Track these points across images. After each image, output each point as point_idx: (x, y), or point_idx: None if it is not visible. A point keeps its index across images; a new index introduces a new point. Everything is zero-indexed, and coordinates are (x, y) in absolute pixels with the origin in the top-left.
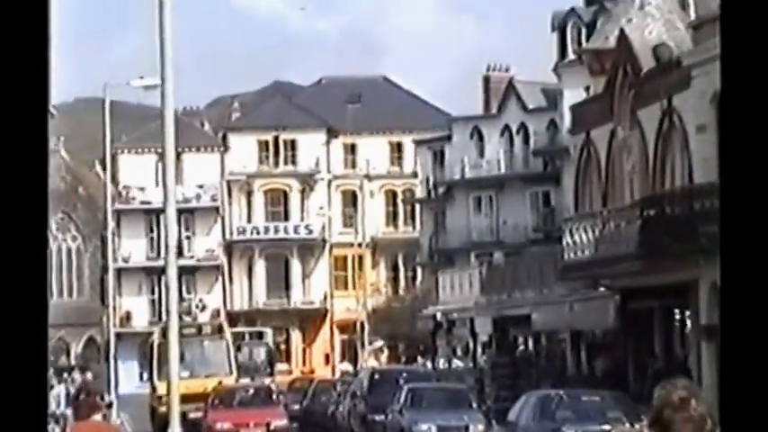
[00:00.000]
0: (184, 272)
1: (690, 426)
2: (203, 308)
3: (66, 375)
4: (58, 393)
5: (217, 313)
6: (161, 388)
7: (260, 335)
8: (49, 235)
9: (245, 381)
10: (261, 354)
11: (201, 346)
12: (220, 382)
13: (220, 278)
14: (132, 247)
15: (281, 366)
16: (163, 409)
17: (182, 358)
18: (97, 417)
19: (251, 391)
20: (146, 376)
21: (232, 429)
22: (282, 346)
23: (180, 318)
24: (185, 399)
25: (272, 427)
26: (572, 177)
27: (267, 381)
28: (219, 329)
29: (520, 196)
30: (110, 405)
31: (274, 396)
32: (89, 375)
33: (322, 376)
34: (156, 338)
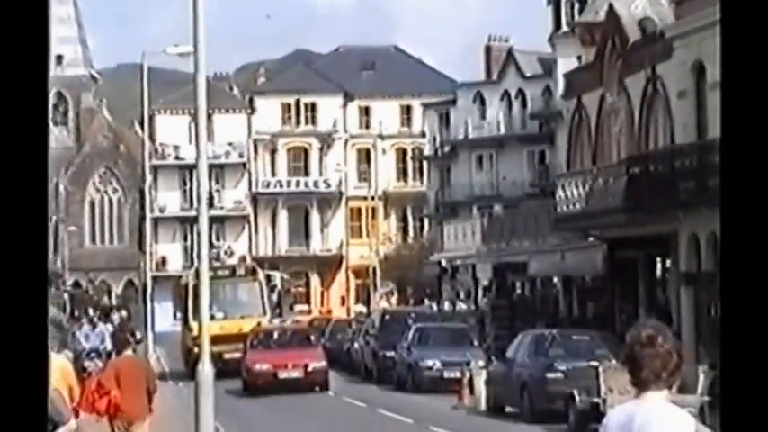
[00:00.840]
0: (214, 221)
1: (657, 360)
2: (231, 254)
3: (107, 315)
4: (101, 330)
5: (243, 259)
6: (196, 329)
7: (268, 277)
8: (89, 190)
9: (276, 321)
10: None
11: (235, 288)
12: (259, 324)
13: (247, 227)
14: (167, 199)
15: (301, 307)
16: (197, 349)
17: (215, 300)
18: (128, 351)
19: (288, 332)
20: (179, 316)
21: (271, 370)
22: (302, 289)
23: (210, 263)
24: (220, 339)
25: (309, 368)
26: (565, 138)
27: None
28: (253, 272)
29: (517, 155)
30: (139, 341)
31: (312, 337)
32: (124, 314)
33: (338, 316)
34: (189, 280)
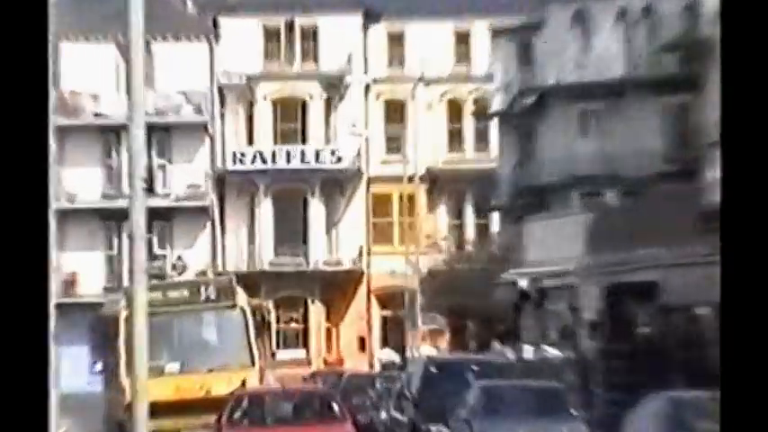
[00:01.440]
0: (157, 217)
1: None
2: (183, 269)
3: None
4: None
5: (210, 274)
6: (129, 390)
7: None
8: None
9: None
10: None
11: (199, 322)
12: (244, 382)
13: (208, 226)
14: (81, 181)
15: (295, 354)
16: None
17: (166, 342)
18: None
19: (296, 396)
20: (100, 368)
21: None
22: (297, 325)
23: (151, 281)
24: (175, 409)
25: None
26: (719, 83)
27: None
28: (229, 293)
29: (644, 110)
30: None
31: (336, 407)
32: None
33: (354, 369)
34: (120, 310)
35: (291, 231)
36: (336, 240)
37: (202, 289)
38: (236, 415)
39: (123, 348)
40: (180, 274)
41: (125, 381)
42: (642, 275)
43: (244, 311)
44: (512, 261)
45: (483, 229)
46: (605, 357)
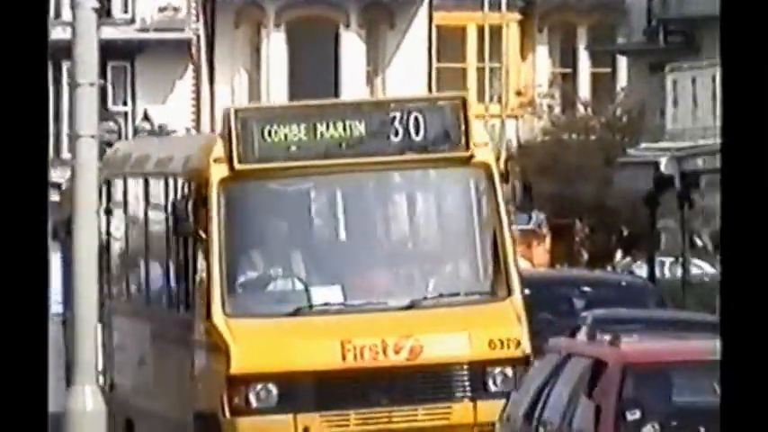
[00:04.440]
0: (115, 54)
1: None
2: (152, 133)
3: None
4: None
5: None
6: (245, 345)
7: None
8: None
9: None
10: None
11: (388, 195)
12: (518, 343)
13: (190, 70)
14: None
15: None
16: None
17: (312, 242)
18: None
19: None
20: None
21: None
22: None
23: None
24: (329, 391)
25: None
26: None
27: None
28: (456, 129)
29: None
30: None
31: None
32: None
33: None
34: (210, 167)
35: (316, 76)
36: (383, 88)
37: (397, 119)
38: None
39: (218, 255)
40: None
41: (224, 323)
42: None
43: (489, 172)
44: (646, 131)
45: (603, 82)
46: None
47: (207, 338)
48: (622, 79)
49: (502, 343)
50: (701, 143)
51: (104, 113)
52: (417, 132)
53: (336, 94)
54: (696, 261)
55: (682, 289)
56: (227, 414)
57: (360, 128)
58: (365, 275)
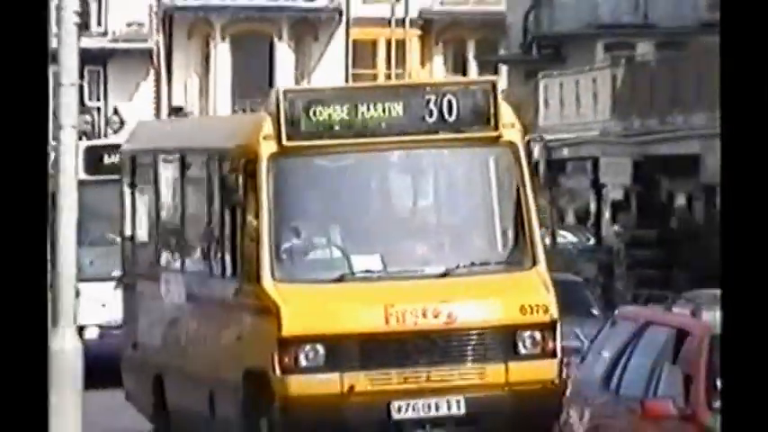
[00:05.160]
0: (90, 60)
1: None
2: (121, 124)
3: None
4: None
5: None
6: (294, 309)
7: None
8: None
9: None
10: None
11: (424, 171)
12: (544, 309)
13: (151, 74)
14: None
15: None
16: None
17: (352, 214)
18: None
19: None
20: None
21: None
22: None
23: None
24: (372, 352)
25: None
26: None
27: None
28: (486, 110)
29: None
30: None
31: None
32: None
33: None
34: (259, 144)
35: (253, 83)
36: None
37: (432, 101)
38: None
39: (267, 225)
40: (116, 131)
41: (274, 288)
42: (680, 147)
43: (516, 151)
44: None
45: None
46: (633, 245)
47: (256, 302)
48: (503, 84)
49: (531, 309)
50: (565, 137)
51: (81, 108)
52: (450, 113)
53: None
54: (562, 232)
55: (551, 254)
56: (278, 372)
57: (397, 109)
58: (402, 245)
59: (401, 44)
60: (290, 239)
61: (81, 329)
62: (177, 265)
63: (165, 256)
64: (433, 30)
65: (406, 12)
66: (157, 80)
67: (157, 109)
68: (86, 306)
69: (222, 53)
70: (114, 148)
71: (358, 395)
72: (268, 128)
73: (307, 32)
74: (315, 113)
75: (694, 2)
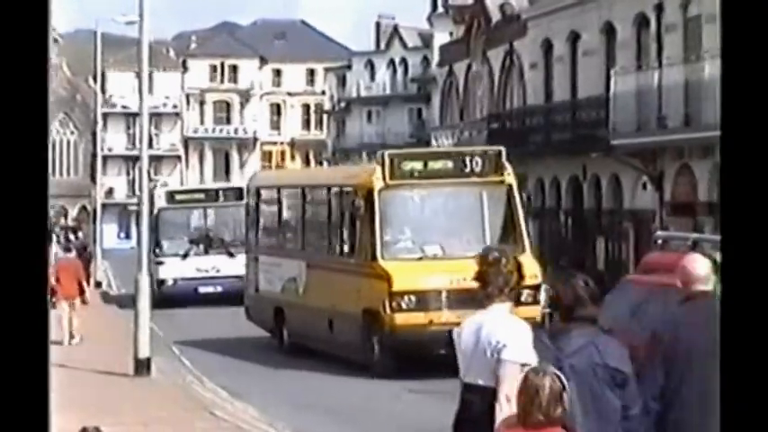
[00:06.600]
0: (152, 160)
1: (501, 278)
2: (166, 186)
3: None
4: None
5: None
6: (398, 275)
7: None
8: (50, 137)
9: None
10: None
11: (459, 198)
12: (534, 276)
13: (179, 165)
14: (114, 141)
15: None
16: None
17: (419, 220)
18: (70, 255)
19: None
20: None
21: None
22: None
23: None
24: (431, 300)
25: None
26: (438, 98)
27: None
28: (497, 165)
29: (400, 111)
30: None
31: None
32: (80, 234)
33: None
34: (373, 178)
35: (221, 168)
36: (244, 173)
37: (467, 160)
38: None
39: (379, 226)
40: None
41: (384, 263)
42: None
43: (511, 189)
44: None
45: (319, 167)
46: None
47: (371, 271)
48: (325, 167)
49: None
50: None
51: (150, 179)
52: (476, 166)
53: (228, 173)
54: None
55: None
56: (388, 311)
57: (448, 164)
58: (452, 240)
59: (283, 152)
60: (389, 235)
61: (163, 282)
62: (298, 246)
63: (286, 242)
64: (296, 146)
65: (285, 138)
66: (181, 168)
67: (181, 181)
68: (166, 269)
69: (208, 156)
70: (180, 192)
71: (434, 325)
72: (378, 173)
73: (243, 147)
74: (401, 165)
75: (404, 134)
